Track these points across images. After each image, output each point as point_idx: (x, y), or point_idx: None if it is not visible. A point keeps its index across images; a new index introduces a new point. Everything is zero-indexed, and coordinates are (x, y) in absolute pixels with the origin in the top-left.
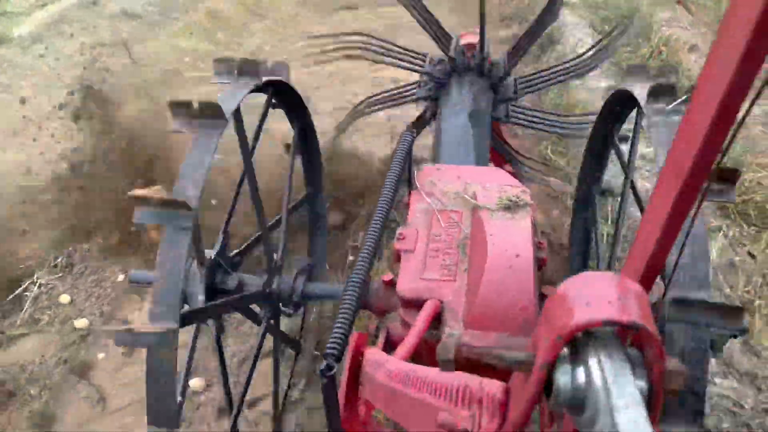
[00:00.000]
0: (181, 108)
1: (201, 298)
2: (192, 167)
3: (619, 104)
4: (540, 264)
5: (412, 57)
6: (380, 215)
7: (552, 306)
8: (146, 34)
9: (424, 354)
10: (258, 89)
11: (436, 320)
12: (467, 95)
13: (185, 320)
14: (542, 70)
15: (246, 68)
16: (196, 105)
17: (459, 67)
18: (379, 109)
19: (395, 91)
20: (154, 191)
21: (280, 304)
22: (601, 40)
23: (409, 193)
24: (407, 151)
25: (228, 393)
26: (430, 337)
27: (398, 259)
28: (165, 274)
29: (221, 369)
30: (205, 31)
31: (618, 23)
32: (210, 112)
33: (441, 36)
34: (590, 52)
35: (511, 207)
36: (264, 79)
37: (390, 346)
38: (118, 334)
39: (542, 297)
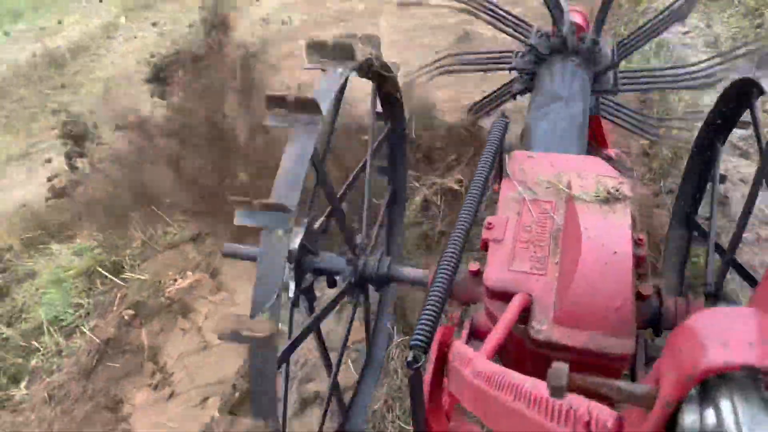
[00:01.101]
0: (275, 102)
1: (292, 286)
2: (289, 169)
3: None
4: (638, 261)
5: (519, 25)
6: (471, 203)
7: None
8: None
9: (510, 347)
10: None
11: (524, 314)
12: (568, 79)
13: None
14: (647, 70)
15: (339, 51)
16: (291, 99)
17: (567, 47)
18: (468, 70)
19: (489, 55)
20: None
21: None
22: (721, 54)
23: (499, 180)
24: (500, 139)
25: (334, 375)
26: (516, 331)
27: (485, 247)
28: (264, 286)
29: (321, 350)
30: None
31: (744, 42)
32: (306, 108)
33: (521, 28)
34: (705, 65)
35: (609, 200)
36: (358, 61)
37: (474, 337)
38: (222, 334)
39: (639, 296)
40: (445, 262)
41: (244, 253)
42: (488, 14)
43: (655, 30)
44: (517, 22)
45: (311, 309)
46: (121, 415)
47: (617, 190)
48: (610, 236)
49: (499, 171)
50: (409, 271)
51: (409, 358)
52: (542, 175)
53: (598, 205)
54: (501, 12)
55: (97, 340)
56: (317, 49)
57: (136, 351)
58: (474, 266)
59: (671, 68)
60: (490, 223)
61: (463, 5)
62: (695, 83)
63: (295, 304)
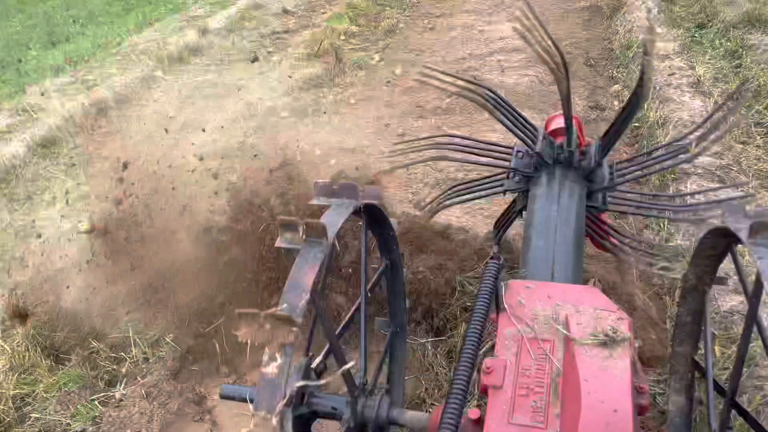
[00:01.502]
0: (286, 226)
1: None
2: (294, 286)
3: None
4: (640, 411)
5: (498, 151)
6: (469, 352)
7: None
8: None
9: None
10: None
11: None
12: (557, 191)
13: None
14: (641, 155)
15: (344, 191)
16: (301, 223)
17: (546, 160)
18: (466, 200)
19: (482, 181)
20: None
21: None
22: (709, 117)
23: (497, 313)
24: (495, 280)
25: None
26: None
27: (485, 391)
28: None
29: None
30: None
31: (728, 97)
32: (314, 231)
33: (528, 131)
34: (696, 133)
35: (607, 343)
36: (362, 202)
37: None
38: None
39: None
40: (449, 410)
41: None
42: (463, 151)
43: (668, 160)
44: (495, 148)
45: None
46: (206, 407)
47: (615, 332)
48: (610, 391)
49: (496, 302)
50: (411, 415)
51: None
52: (540, 309)
53: (597, 349)
54: (479, 144)
55: (179, 348)
56: (324, 189)
57: (211, 356)
58: (474, 413)
59: (664, 146)
60: (488, 368)
61: (470, 94)
62: (691, 157)
63: None
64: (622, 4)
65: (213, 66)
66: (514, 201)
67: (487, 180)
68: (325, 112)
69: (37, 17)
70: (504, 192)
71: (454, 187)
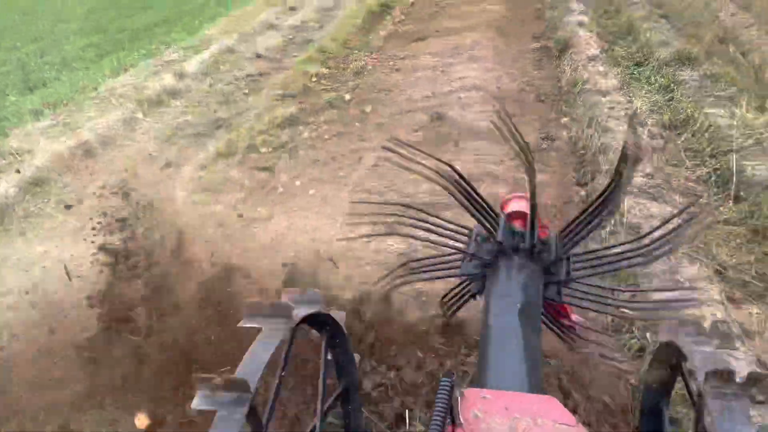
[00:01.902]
0: (203, 383)
1: None
2: None
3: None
4: None
5: (455, 232)
6: None
7: None
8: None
9: None
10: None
11: None
12: (515, 284)
13: None
14: (599, 250)
15: (277, 310)
16: (219, 381)
17: (506, 250)
18: (421, 280)
19: (438, 260)
20: None
21: None
22: (672, 218)
23: (452, 428)
24: (447, 400)
25: None
26: None
27: None
28: None
29: None
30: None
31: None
32: (234, 387)
33: (490, 217)
34: (658, 232)
35: None
36: (297, 320)
37: None
38: None
39: None
40: None
41: None
42: (418, 226)
43: (599, 222)
44: (452, 229)
45: None
46: None
47: None
48: None
49: (451, 416)
50: None
51: None
52: (497, 423)
53: None
54: (437, 222)
55: None
56: (254, 309)
57: None
58: None
59: (623, 244)
60: None
61: (433, 174)
62: (651, 259)
63: None
64: (569, 46)
65: (191, 108)
66: (468, 282)
67: (443, 260)
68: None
69: (11, 64)
70: (460, 276)
71: (408, 263)
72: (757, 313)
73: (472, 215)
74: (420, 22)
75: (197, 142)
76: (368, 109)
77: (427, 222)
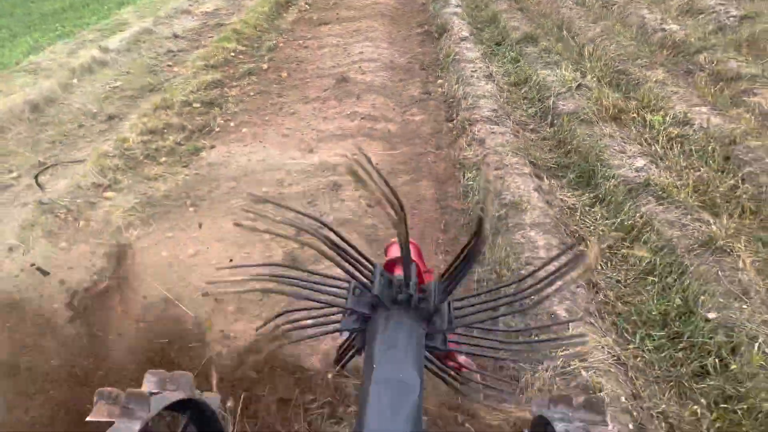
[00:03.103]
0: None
1: None
2: None
3: None
4: None
5: (336, 286)
6: None
7: None
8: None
9: None
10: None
11: None
12: (395, 339)
13: None
14: (482, 294)
15: (131, 401)
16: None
17: (384, 302)
18: (302, 338)
19: (317, 313)
20: None
21: None
22: (552, 260)
23: None
24: None
25: None
26: None
27: None
28: None
29: None
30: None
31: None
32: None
33: (365, 268)
34: (540, 274)
35: None
36: (151, 414)
37: None
38: None
39: None
40: None
41: None
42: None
43: (471, 263)
44: (330, 282)
45: None
46: None
47: None
48: None
49: None
50: None
51: None
52: None
53: None
54: (313, 276)
55: None
56: (107, 398)
57: None
58: None
59: (506, 287)
60: None
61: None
62: (532, 305)
63: None
64: (446, 30)
65: (120, 76)
66: (351, 338)
67: (323, 313)
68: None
69: None
70: (340, 331)
71: (286, 313)
72: (550, 183)
73: (345, 270)
74: (322, 11)
75: (133, 101)
76: (284, 74)
77: (304, 280)
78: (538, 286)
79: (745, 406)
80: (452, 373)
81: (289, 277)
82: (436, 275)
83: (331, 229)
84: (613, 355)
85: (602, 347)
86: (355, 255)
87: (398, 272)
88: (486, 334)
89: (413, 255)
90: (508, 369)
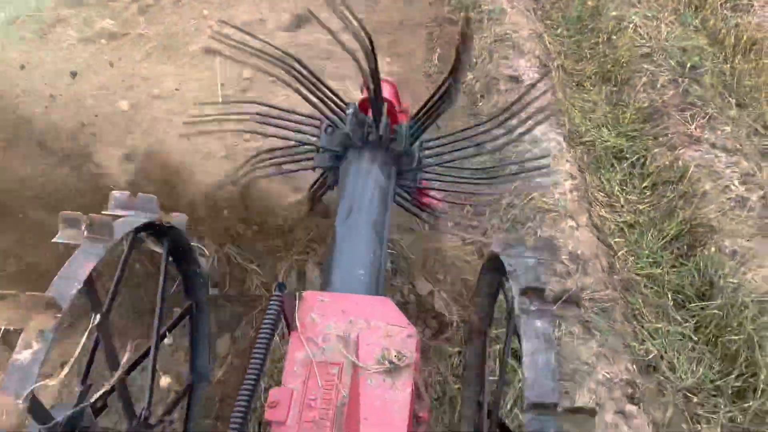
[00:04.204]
0: (68, 222)
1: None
2: (67, 276)
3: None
4: None
5: (311, 124)
6: (247, 387)
7: None
8: None
9: None
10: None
11: None
12: (365, 178)
13: None
14: (449, 135)
15: (96, 226)
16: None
17: (355, 142)
18: (275, 174)
19: (290, 152)
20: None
21: None
22: (517, 100)
23: (289, 332)
24: (276, 318)
25: None
26: None
27: (270, 424)
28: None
29: None
30: None
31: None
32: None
33: (337, 106)
34: (504, 116)
35: (391, 370)
36: (114, 240)
37: None
38: None
39: None
40: None
41: None
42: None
43: (444, 106)
44: (306, 121)
45: None
46: None
47: (401, 357)
48: (387, 427)
49: (286, 322)
50: None
51: None
52: (333, 325)
53: (380, 378)
54: (291, 115)
55: None
56: (71, 223)
57: None
58: None
59: (473, 127)
60: (273, 401)
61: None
62: (500, 144)
63: None
64: None
65: None
66: (323, 176)
67: (296, 151)
68: None
69: None
70: (314, 168)
71: (260, 154)
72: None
73: (316, 108)
74: None
75: None
76: None
77: (275, 117)
78: (507, 123)
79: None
80: (424, 208)
81: (265, 116)
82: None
83: (303, 65)
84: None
85: None
86: (328, 93)
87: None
88: (457, 172)
89: (388, 94)
90: (476, 206)
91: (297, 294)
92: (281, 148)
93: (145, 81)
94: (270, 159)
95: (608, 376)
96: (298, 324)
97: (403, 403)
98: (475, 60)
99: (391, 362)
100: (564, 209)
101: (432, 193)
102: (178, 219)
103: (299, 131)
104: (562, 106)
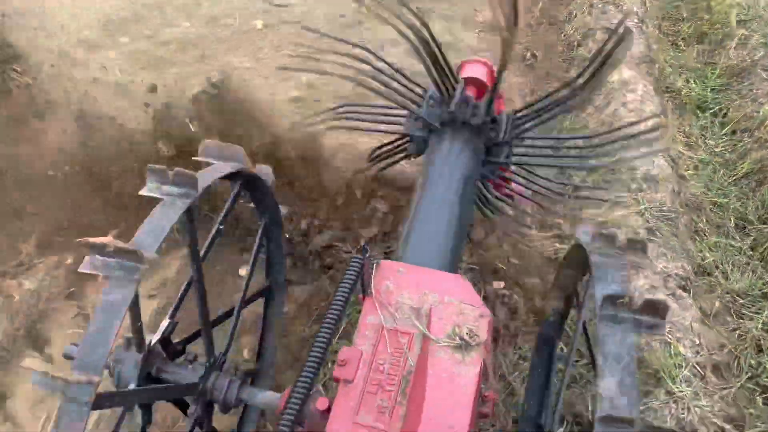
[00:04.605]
0: (95, 249)
1: (132, 385)
2: (99, 322)
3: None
4: (482, 415)
5: (408, 88)
6: (323, 337)
7: None
8: None
9: None
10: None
11: None
12: (455, 162)
13: (105, 403)
14: (549, 139)
15: (180, 179)
16: (111, 248)
17: (456, 121)
18: (358, 129)
19: (380, 110)
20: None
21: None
22: (593, 61)
23: (363, 296)
24: (355, 279)
25: None
26: None
27: (338, 382)
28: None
29: None
30: None
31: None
32: (127, 257)
33: (448, 81)
34: (581, 79)
35: (462, 346)
36: (194, 196)
37: None
38: (35, 374)
39: None
40: (293, 398)
41: None
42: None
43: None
44: (408, 85)
45: (148, 418)
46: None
47: (472, 336)
48: (452, 405)
49: (362, 285)
50: (263, 396)
51: None
52: (407, 296)
53: (450, 352)
54: (387, 74)
55: None
56: (158, 174)
57: None
58: (323, 403)
59: (571, 138)
60: (342, 359)
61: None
62: (577, 103)
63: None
64: None
65: None
66: (403, 138)
67: (386, 112)
68: None
69: None
70: (402, 135)
71: (345, 106)
72: None
73: (432, 79)
74: None
75: None
76: None
77: (380, 72)
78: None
79: None
80: (506, 200)
81: (372, 67)
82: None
83: (431, 33)
84: None
85: None
86: (444, 65)
87: (468, 92)
88: (553, 143)
89: (487, 78)
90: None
91: (375, 261)
92: (371, 105)
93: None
94: (354, 112)
95: (665, 269)
96: (373, 290)
97: (470, 379)
98: (574, 12)
99: (462, 339)
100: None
101: (513, 185)
102: (264, 171)
103: (400, 93)
104: (655, 57)
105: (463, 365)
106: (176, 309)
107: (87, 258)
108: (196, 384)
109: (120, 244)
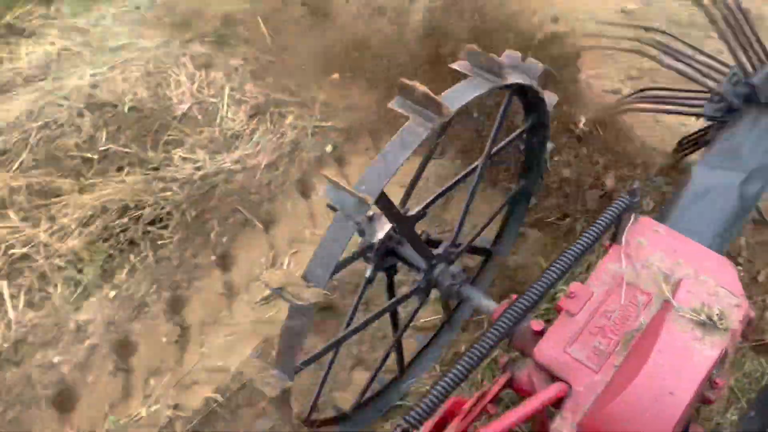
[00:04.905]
0: (405, 90)
1: (380, 235)
2: (387, 154)
3: None
4: (705, 401)
5: (710, 67)
6: (559, 266)
7: None
8: None
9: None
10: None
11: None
12: (754, 143)
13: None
14: None
15: (490, 65)
16: (419, 91)
17: (761, 97)
18: (656, 111)
19: (679, 94)
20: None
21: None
22: None
23: (611, 243)
24: (614, 216)
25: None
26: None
27: (559, 311)
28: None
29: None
30: None
31: None
32: (430, 105)
33: (754, 56)
34: None
35: (705, 325)
36: (506, 82)
37: (510, 387)
38: (329, 183)
39: None
40: (512, 311)
41: None
42: (671, 55)
43: None
44: (709, 62)
45: (390, 288)
46: None
47: (722, 318)
48: (678, 372)
49: (615, 232)
50: (480, 299)
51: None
52: (659, 258)
53: (692, 326)
54: (687, 52)
55: None
56: (474, 57)
57: None
58: (538, 325)
59: None
60: (572, 292)
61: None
62: None
63: (370, 281)
64: None
65: None
66: (709, 126)
67: (685, 95)
68: None
69: None
70: (699, 116)
71: (646, 89)
72: None
73: (732, 52)
74: None
75: None
76: None
77: (679, 51)
78: None
79: None
80: None
81: (668, 47)
82: None
83: (740, 7)
84: None
85: None
86: (753, 40)
87: None
88: None
89: None
90: None
91: (635, 215)
92: (671, 89)
93: None
94: (653, 96)
95: None
96: (624, 240)
97: (705, 359)
98: None
99: (709, 318)
100: None
101: None
102: (549, 96)
103: (700, 72)
104: None
105: (702, 343)
106: (407, 196)
107: (397, 97)
108: (426, 270)
109: (427, 91)
